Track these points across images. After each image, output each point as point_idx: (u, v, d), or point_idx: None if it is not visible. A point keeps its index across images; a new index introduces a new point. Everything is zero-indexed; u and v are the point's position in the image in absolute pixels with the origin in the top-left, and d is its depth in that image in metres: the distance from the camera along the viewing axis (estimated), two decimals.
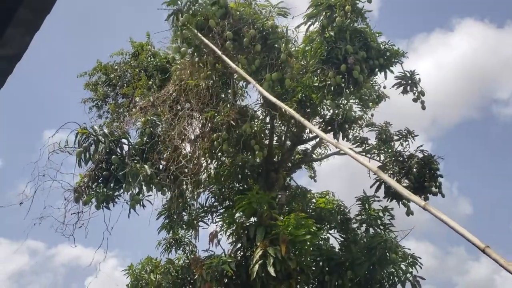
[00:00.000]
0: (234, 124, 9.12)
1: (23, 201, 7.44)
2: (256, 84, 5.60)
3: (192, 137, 9.23)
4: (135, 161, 8.27)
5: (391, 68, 9.82)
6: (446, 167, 11.11)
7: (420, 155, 10.86)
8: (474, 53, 32.42)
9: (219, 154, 9.68)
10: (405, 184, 10.82)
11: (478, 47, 32.24)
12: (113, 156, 8.17)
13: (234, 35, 8.62)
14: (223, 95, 9.97)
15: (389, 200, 10.88)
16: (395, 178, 10.94)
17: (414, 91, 10.24)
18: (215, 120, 9.08)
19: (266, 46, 8.82)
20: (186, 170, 8.69)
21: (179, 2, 8.82)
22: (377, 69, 9.47)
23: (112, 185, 8.20)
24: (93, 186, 8.23)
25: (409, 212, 10.70)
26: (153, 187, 8.52)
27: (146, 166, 8.18)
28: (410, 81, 10.21)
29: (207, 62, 9.07)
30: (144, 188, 8.34)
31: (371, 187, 10.96)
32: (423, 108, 10.25)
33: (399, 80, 10.32)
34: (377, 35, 9.53)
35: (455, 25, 36.04)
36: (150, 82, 10.81)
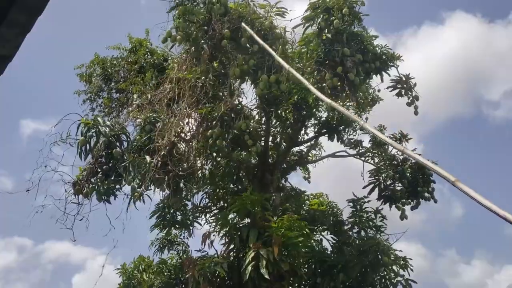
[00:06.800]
0: (227, 119, 9.07)
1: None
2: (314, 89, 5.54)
3: (188, 134, 9.22)
4: (135, 157, 8.29)
5: (387, 71, 9.84)
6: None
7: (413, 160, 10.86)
8: (465, 48, 32.21)
9: (214, 154, 9.64)
10: (399, 188, 10.87)
11: (468, 41, 32.04)
12: (115, 150, 8.25)
13: (232, 34, 8.61)
14: (220, 93, 9.93)
15: (383, 203, 10.91)
16: (389, 182, 10.99)
17: (409, 95, 10.26)
18: (210, 116, 9.04)
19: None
20: (185, 165, 8.68)
21: None
22: (372, 73, 9.50)
23: (112, 178, 8.25)
24: (93, 180, 8.28)
25: (403, 216, 10.72)
26: (151, 183, 8.55)
27: (147, 157, 8.24)
28: (405, 85, 10.22)
29: (203, 57, 9.03)
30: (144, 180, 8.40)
31: (364, 188, 11.01)
32: (416, 113, 10.22)
33: (394, 84, 10.34)
34: (374, 38, 9.55)
35: (445, 18, 35.73)
36: (151, 81, 10.73)
